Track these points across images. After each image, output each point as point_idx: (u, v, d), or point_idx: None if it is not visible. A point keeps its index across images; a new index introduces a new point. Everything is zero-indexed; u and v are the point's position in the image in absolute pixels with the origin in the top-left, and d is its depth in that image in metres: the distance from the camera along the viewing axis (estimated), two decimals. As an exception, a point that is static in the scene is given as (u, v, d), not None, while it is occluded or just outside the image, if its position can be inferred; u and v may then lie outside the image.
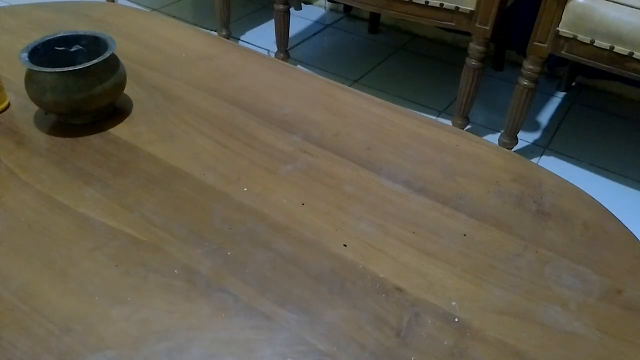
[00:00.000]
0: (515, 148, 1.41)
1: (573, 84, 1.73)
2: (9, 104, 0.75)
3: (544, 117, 1.59)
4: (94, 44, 0.73)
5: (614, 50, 1.11)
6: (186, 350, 0.46)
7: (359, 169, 0.68)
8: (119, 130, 0.72)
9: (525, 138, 1.49)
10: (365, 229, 0.59)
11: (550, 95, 1.68)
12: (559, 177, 0.68)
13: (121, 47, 0.90)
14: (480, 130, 1.52)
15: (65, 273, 0.52)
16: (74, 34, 0.73)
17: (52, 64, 0.69)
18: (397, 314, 0.50)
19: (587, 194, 0.66)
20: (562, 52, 1.19)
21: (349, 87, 0.84)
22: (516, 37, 1.73)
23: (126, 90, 0.78)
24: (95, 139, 0.70)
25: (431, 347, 0.48)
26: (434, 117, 1.55)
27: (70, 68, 0.66)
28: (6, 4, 1.96)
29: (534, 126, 1.55)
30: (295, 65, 1.75)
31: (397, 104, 0.81)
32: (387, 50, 1.89)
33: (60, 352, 0.46)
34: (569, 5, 1.14)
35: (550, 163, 1.41)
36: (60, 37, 0.73)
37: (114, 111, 0.75)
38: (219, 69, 0.86)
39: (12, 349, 0.46)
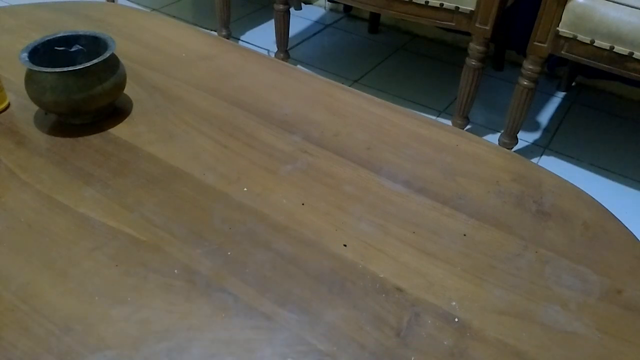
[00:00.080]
0: (515, 148, 1.41)
1: (573, 84, 1.73)
2: (9, 104, 0.75)
3: (544, 117, 1.59)
4: (94, 44, 0.73)
5: (614, 50, 1.11)
6: (186, 350, 0.46)
7: (359, 169, 0.68)
8: (119, 130, 0.72)
9: (525, 138, 1.49)
10: (365, 229, 0.59)
11: (550, 95, 1.68)
12: (559, 177, 0.68)
13: (121, 47, 0.90)
14: (480, 130, 1.52)
15: (65, 273, 0.52)
16: (74, 34, 0.73)
17: (52, 64, 0.69)
18: (397, 314, 0.50)
19: (587, 194, 0.66)
20: (562, 52, 1.19)
21: (349, 87, 0.84)
22: (516, 37, 1.73)
23: (126, 90, 0.78)
24: (95, 139, 0.70)
25: (431, 347, 0.48)
26: (434, 117, 1.55)
27: (70, 68, 0.66)
28: (6, 4, 1.96)
29: (534, 126, 1.54)
30: (295, 65, 1.75)
31: (397, 104, 0.81)
32: (387, 50, 1.89)
33: (60, 352, 0.46)
34: (569, 5, 1.14)
35: (550, 163, 1.41)
36: (60, 37, 0.73)
37: (114, 111, 0.75)
38: (219, 69, 0.86)
39: (12, 349, 0.46)
